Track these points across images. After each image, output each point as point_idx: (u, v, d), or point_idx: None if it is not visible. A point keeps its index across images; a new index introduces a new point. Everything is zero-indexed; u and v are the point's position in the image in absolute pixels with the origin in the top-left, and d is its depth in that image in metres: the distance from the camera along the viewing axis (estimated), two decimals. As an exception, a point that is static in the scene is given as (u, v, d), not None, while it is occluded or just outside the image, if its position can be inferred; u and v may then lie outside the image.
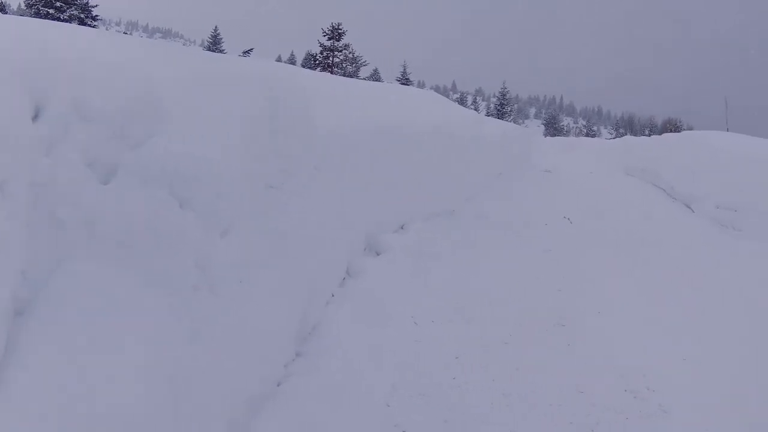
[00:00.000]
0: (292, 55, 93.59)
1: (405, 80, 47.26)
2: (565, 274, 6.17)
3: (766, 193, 9.28)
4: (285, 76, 4.22)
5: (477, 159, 10.71)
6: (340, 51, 36.46)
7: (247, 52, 38.97)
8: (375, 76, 60.58)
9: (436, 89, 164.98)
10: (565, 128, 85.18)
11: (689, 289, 5.92)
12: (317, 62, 37.30)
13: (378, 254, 5.81)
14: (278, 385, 3.33)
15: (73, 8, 24.17)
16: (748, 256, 7.50)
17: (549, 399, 3.62)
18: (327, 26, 36.70)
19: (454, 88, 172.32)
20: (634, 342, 4.56)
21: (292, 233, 3.58)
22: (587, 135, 67.84)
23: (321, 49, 36.54)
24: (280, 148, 3.34)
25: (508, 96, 57.73)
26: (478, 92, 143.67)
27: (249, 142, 2.98)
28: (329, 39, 36.29)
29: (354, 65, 37.93)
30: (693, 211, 10.60)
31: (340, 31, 36.12)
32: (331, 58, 36.80)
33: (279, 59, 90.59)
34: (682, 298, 5.67)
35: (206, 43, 55.66)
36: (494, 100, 59.62)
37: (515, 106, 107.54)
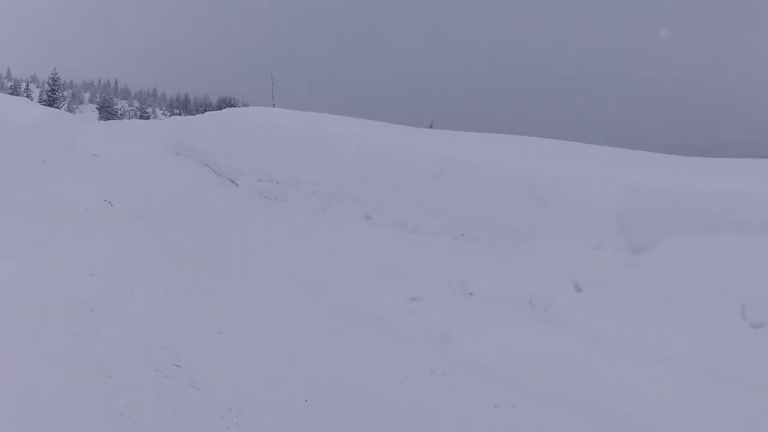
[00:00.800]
0: None
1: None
2: (102, 257, 6.14)
3: (307, 165, 9.84)
4: None
5: (11, 146, 10.68)
6: None
7: None
8: None
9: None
10: (120, 111, 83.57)
11: (222, 264, 6.49)
12: None
13: None
14: None
15: None
16: (298, 227, 8.35)
17: (74, 388, 3.40)
18: None
19: (9, 75, 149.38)
20: (166, 319, 4.61)
21: None
22: (141, 117, 68.14)
23: None
24: None
25: (60, 82, 55.47)
26: (33, 79, 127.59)
27: None
28: None
29: None
30: (238, 186, 10.91)
31: None
32: None
33: None
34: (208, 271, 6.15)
35: None
36: (47, 86, 55.65)
37: (69, 91, 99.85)
